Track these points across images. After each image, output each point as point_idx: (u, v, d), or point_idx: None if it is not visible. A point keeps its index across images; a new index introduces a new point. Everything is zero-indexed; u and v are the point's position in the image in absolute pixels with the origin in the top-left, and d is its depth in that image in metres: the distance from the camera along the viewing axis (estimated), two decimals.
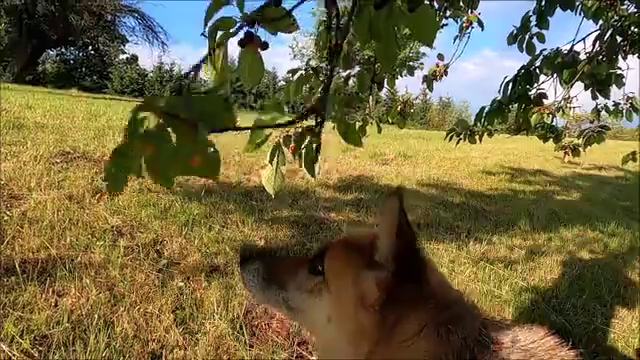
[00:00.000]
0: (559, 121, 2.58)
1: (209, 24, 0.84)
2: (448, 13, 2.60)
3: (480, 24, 2.61)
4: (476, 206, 5.69)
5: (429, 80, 2.85)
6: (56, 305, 2.17)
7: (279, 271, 1.06)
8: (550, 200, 6.55)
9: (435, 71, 2.82)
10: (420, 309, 0.81)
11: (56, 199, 3.51)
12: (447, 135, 2.70)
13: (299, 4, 0.91)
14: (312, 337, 1.07)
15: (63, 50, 41.82)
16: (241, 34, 0.84)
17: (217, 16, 0.83)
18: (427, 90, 2.90)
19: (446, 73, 2.83)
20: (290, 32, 0.87)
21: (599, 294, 3.15)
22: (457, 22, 2.71)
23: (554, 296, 3.07)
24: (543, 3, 2.28)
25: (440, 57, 2.83)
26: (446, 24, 2.67)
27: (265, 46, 0.88)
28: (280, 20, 0.82)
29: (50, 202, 3.40)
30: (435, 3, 2.38)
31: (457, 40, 2.71)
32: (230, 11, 0.84)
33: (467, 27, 2.61)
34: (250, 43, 0.86)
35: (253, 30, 0.84)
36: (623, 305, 3.06)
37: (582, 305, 2.94)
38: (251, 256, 1.11)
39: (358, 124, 2.62)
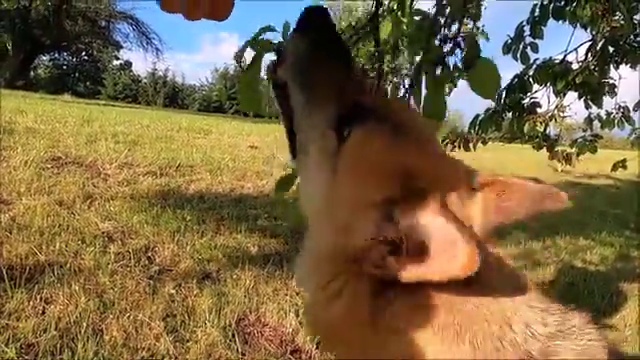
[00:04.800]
0: (552, 130, 2.61)
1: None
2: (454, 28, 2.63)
3: (485, 35, 2.66)
4: None
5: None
6: (44, 312, 2.12)
7: (320, 76, 0.73)
8: None
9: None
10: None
11: (46, 204, 3.46)
12: (441, 143, 2.71)
13: None
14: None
15: (56, 55, 41.60)
16: None
17: None
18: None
19: (455, 85, 2.83)
20: None
21: (592, 303, 3.15)
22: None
23: None
24: (537, 13, 2.31)
25: None
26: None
27: None
28: None
29: (40, 207, 3.35)
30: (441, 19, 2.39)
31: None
32: None
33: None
34: None
35: None
36: (616, 313, 3.06)
37: None
38: (313, 26, 0.75)
39: None
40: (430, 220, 0.54)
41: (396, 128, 0.66)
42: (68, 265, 2.58)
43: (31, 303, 2.16)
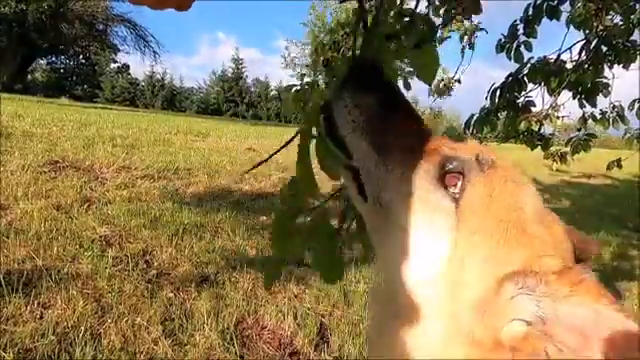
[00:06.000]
0: (547, 129, 2.62)
1: None
2: (453, 27, 2.66)
3: (484, 31, 2.70)
4: None
5: (441, 91, 2.88)
6: (41, 317, 2.12)
7: (389, 128, 0.66)
8: None
9: (444, 84, 2.86)
10: None
11: (43, 209, 3.45)
12: None
13: None
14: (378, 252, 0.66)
15: (53, 59, 41.59)
16: None
17: None
18: (439, 98, 2.95)
19: (459, 81, 2.88)
20: None
21: None
22: (459, 35, 2.79)
23: None
24: (530, 12, 2.32)
25: (443, 71, 2.89)
26: (449, 36, 2.73)
27: None
28: None
29: (37, 212, 3.34)
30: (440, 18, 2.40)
31: (464, 50, 2.79)
32: None
33: (471, 36, 2.69)
34: None
35: None
36: None
37: None
38: (366, 82, 0.69)
39: None
40: (600, 310, 0.44)
41: (501, 173, 0.59)
42: (66, 269, 2.58)
43: (29, 308, 2.16)
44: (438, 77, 2.89)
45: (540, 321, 0.48)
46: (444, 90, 2.85)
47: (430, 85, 0.93)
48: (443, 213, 0.57)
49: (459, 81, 2.92)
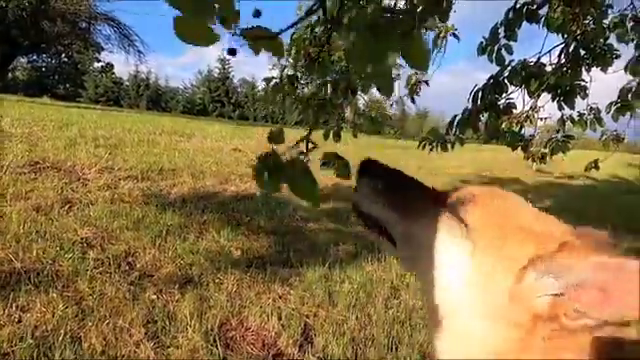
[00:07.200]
0: (529, 131, 2.67)
1: None
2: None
3: (456, 36, 2.70)
4: None
5: (411, 92, 2.89)
6: (20, 321, 2.08)
7: (401, 195, 0.89)
8: None
9: (413, 85, 2.86)
10: None
11: (22, 210, 3.38)
12: (420, 144, 2.75)
13: (287, 29, 0.93)
14: (425, 290, 0.82)
15: (35, 57, 40.69)
16: None
17: None
18: (408, 100, 2.95)
19: (427, 84, 2.88)
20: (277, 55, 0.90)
21: None
22: (432, 35, 2.78)
23: None
24: (510, 15, 2.37)
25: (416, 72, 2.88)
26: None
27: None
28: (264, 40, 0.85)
29: (16, 213, 3.27)
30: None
31: (435, 51, 2.77)
32: None
33: (444, 37, 2.68)
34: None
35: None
36: None
37: None
38: (374, 172, 0.94)
39: (332, 130, 2.65)
40: (600, 263, 0.59)
41: (483, 199, 0.78)
42: (45, 272, 2.53)
43: (6, 311, 2.11)
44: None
45: (560, 290, 0.61)
46: (412, 90, 2.84)
47: (426, 72, 0.96)
48: (457, 238, 0.74)
49: (427, 83, 2.92)
